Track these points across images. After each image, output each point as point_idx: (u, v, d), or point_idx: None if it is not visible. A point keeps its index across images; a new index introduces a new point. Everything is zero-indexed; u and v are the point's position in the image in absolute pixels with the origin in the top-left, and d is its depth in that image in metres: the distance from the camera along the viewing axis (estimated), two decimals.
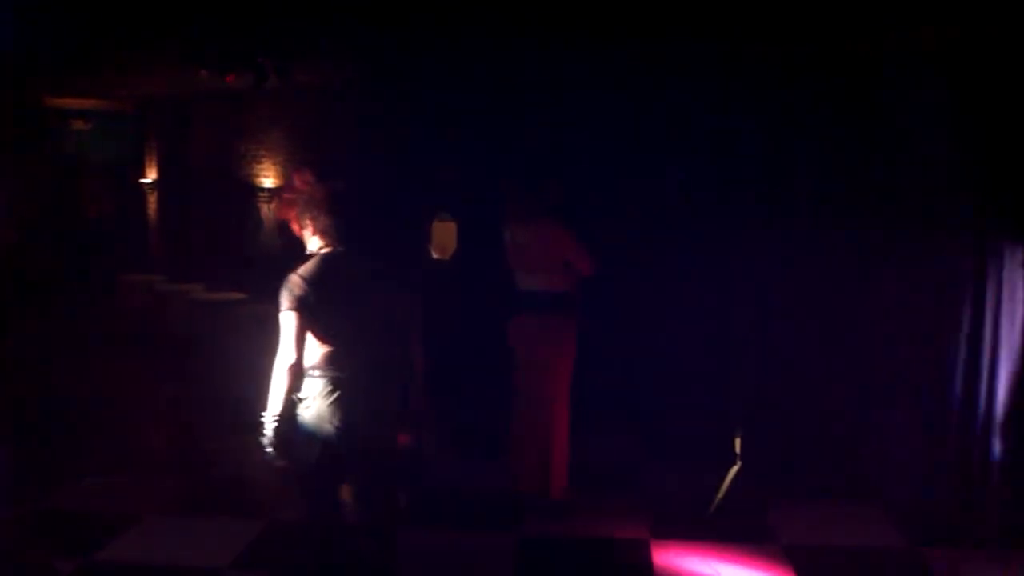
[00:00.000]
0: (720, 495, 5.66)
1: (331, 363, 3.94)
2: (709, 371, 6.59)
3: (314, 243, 4.04)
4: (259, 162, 9.24)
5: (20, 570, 4.77)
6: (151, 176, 9.43)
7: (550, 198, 5.24)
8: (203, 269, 9.25)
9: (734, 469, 6.07)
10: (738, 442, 6.39)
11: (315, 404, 3.93)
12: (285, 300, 3.85)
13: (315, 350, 3.92)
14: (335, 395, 3.94)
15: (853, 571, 4.77)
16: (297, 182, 4.13)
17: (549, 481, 5.30)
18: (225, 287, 8.70)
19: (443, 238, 8.45)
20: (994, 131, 5.21)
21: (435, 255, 8.45)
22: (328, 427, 3.92)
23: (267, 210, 9.21)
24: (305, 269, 3.92)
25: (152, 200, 9.58)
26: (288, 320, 3.85)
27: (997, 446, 5.12)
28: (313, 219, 4.02)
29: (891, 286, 5.69)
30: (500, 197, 5.33)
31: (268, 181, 9.19)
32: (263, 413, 3.82)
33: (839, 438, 5.91)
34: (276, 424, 3.82)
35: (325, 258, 4.00)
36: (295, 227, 4.09)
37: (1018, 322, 5.12)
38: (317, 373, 3.94)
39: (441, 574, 4.71)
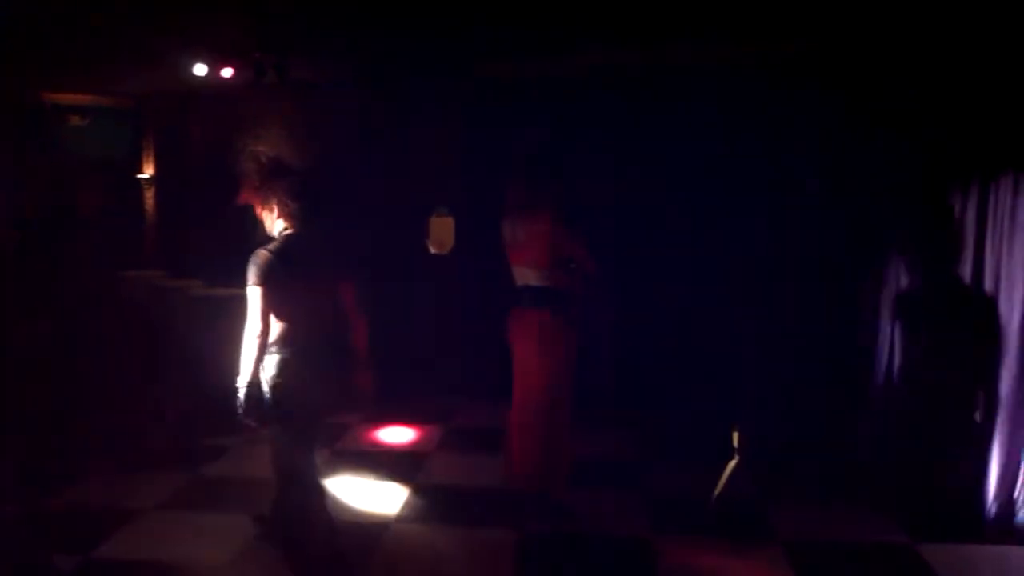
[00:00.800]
0: (718, 489, 5.67)
1: (291, 339, 4.32)
2: (709, 368, 6.59)
3: (279, 225, 4.43)
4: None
5: (21, 568, 4.78)
6: (148, 172, 9.41)
7: (549, 195, 5.23)
8: (201, 265, 9.24)
9: (732, 463, 6.08)
10: (736, 437, 6.40)
11: (279, 379, 4.29)
12: (253, 274, 4.21)
13: (276, 326, 4.29)
14: (295, 369, 4.30)
15: (853, 568, 4.78)
16: (257, 168, 4.60)
17: (549, 478, 5.30)
18: (223, 283, 8.66)
19: (440, 233, 8.44)
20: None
21: (432, 250, 8.45)
22: (292, 400, 4.28)
23: None
24: (274, 246, 4.32)
25: (149, 196, 9.56)
26: (255, 294, 4.20)
27: (995, 445, 5.12)
28: (280, 203, 4.40)
29: (893, 284, 5.70)
30: (499, 194, 5.31)
31: None
32: (237, 379, 4.19)
33: (840, 434, 5.91)
34: (248, 388, 4.18)
35: (291, 238, 4.39)
36: (260, 210, 4.49)
37: None
38: (275, 349, 4.31)
39: (442, 572, 4.70)
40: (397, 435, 7.12)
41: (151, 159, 9.46)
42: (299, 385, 4.30)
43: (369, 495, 5.76)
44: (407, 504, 5.61)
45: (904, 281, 5.47)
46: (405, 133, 8.44)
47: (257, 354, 4.20)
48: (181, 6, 5.94)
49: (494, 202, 5.48)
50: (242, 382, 4.19)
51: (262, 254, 4.23)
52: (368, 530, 5.17)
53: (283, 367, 4.30)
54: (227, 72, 7.36)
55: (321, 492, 4.62)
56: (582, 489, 5.60)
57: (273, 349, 4.31)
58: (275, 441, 4.43)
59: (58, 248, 7.30)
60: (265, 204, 4.46)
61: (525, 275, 5.27)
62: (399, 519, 5.36)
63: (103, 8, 5.95)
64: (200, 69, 7.25)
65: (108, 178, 9.26)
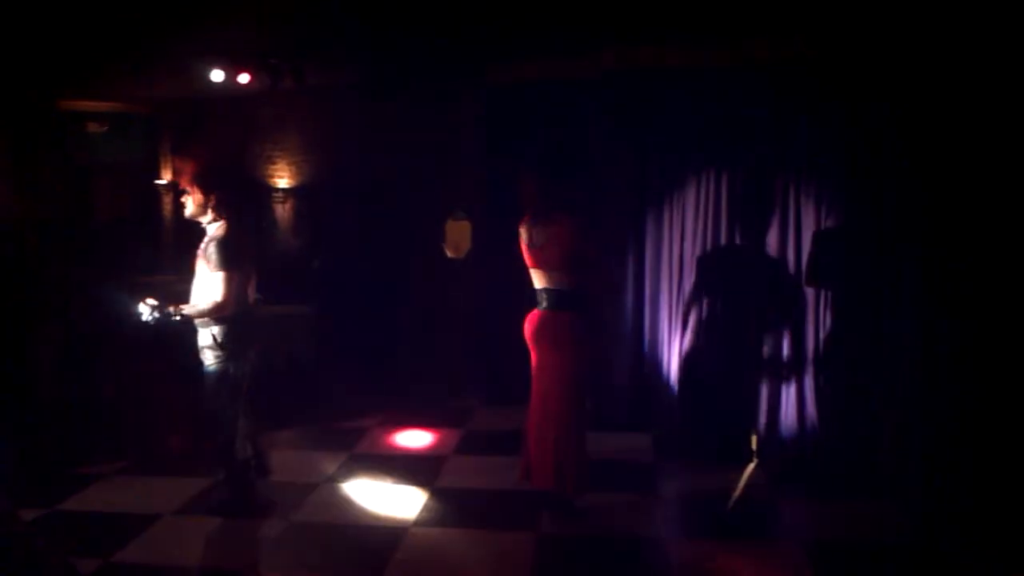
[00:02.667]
0: (738, 492, 5.66)
1: (237, 312, 5.06)
2: (725, 369, 6.57)
3: (208, 215, 5.14)
4: (273, 163, 9.27)
5: (41, 571, 4.80)
6: (166, 177, 9.48)
7: (565, 197, 5.23)
8: None
9: (751, 466, 6.07)
10: (755, 440, 6.39)
11: (225, 342, 5.06)
12: (227, 259, 4.95)
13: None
14: (236, 335, 5.09)
15: (872, 568, 4.75)
16: (196, 163, 5.21)
17: (566, 480, 5.29)
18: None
19: (457, 237, 8.46)
20: None
21: (449, 254, 8.47)
22: (234, 361, 5.10)
23: (281, 210, 9.25)
24: (228, 235, 5.04)
25: (167, 201, 9.63)
26: (231, 276, 4.95)
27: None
28: (216, 195, 5.10)
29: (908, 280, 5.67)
30: (516, 196, 5.32)
31: (283, 181, 9.23)
32: (181, 310, 4.99)
33: (856, 435, 5.89)
34: (173, 320, 4.97)
35: (229, 227, 5.10)
36: (196, 199, 5.13)
37: None
38: (219, 320, 5.05)
39: (456, 575, 4.71)
40: (414, 439, 7.14)
41: (168, 165, 9.52)
42: (239, 347, 5.11)
43: (387, 498, 5.77)
44: (425, 507, 5.61)
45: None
46: (421, 136, 8.47)
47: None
48: (198, 13, 5.98)
49: (511, 205, 5.49)
50: (174, 313, 4.98)
51: (227, 241, 4.98)
52: (387, 533, 5.18)
53: (225, 333, 5.06)
54: (244, 78, 7.40)
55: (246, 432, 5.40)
56: (599, 491, 5.60)
57: (217, 320, 5.06)
58: (213, 389, 5.16)
59: (77, 252, 7.35)
60: (203, 194, 5.12)
61: (543, 278, 5.27)
62: (417, 522, 5.37)
63: (120, 16, 6.00)
64: (217, 75, 7.29)
65: (126, 184, 9.33)
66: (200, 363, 5.20)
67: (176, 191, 5.28)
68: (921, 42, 5.40)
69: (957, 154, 5.07)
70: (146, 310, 4.97)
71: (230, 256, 4.96)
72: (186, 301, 5.15)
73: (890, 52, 5.69)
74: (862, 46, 5.97)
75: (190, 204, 5.16)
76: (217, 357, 5.11)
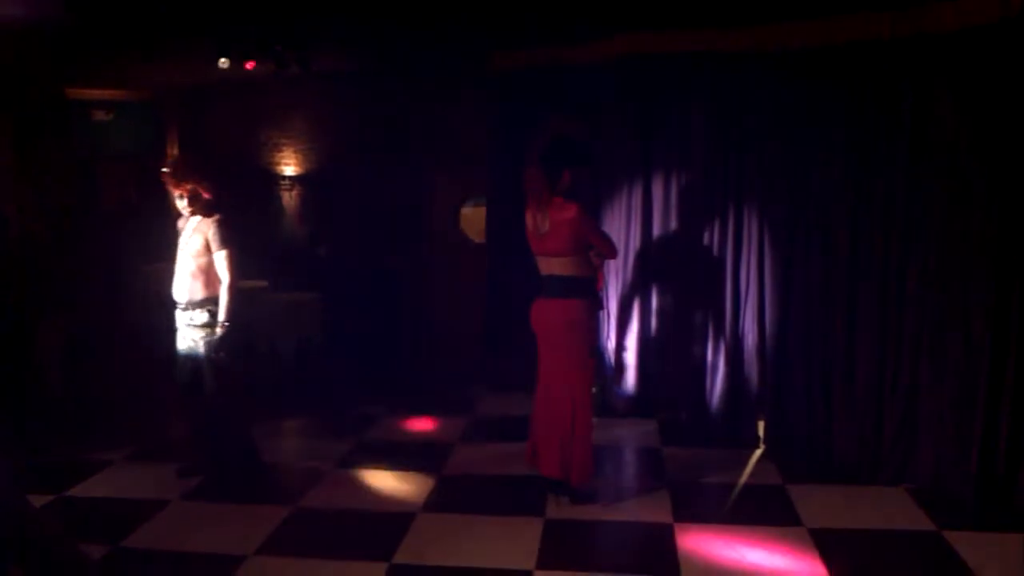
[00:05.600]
0: (744, 478, 5.66)
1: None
2: (731, 355, 6.56)
3: (207, 207, 5.57)
4: (279, 150, 9.27)
5: (49, 557, 4.81)
6: (167, 170, 9.48)
7: (570, 184, 5.22)
8: None
9: (757, 452, 6.07)
10: (761, 425, 6.39)
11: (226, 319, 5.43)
12: (229, 237, 5.46)
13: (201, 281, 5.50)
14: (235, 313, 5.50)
15: (879, 554, 4.75)
16: (192, 166, 5.71)
17: (571, 466, 5.29)
18: (247, 275, 8.70)
19: (478, 223, 8.43)
20: None
21: (475, 240, 8.46)
22: (226, 339, 5.47)
23: (288, 198, 9.25)
24: (227, 217, 5.53)
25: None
26: (233, 253, 5.45)
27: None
28: (212, 191, 5.56)
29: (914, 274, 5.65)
30: (522, 183, 5.30)
31: (289, 169, 9.22)
32: (225, 324, 5.44)
33: (864, 421, 5.87)
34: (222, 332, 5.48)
35: (224, 211, 5.55)
36: (202, 194, 5.55)
37: None
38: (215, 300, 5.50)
39: (464, 559, 4.71)
40: (421, 425, 7.15)
41: (175, 152, 9.53)
42: (233, 325, 5.48)
43: (396, 485, 5.79)
44: (433, 493, 5.63)
45: None
46: (427, 122, 8.45)
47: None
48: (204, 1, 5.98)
49: (517, 191, 5.48)
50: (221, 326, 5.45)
51: (229, 221, 5.50)
52: (395, 519, 5.19)
53: (221, 310, 5.46)
54: (249, 65, 7.38)
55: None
56: (605, 476, 5.59)
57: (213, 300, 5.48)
58: (220, 362, 5.50)
59: (84, 241, 7.36)
60: (204, 190, 5.54)
61: (549, 264, 5.27)
62: (425, 508, 5.38)
63: (125, 4, 5.99)
64: (223, 63, 7.27)
65: (132, 172, 9.33)
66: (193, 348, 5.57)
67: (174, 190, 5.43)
68: None
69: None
70: (200, 345, 5.50)
71: (231, 235, 5.49)
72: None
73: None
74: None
75: (188, 202, 5.58)
76: (209, 337, 5.49)
